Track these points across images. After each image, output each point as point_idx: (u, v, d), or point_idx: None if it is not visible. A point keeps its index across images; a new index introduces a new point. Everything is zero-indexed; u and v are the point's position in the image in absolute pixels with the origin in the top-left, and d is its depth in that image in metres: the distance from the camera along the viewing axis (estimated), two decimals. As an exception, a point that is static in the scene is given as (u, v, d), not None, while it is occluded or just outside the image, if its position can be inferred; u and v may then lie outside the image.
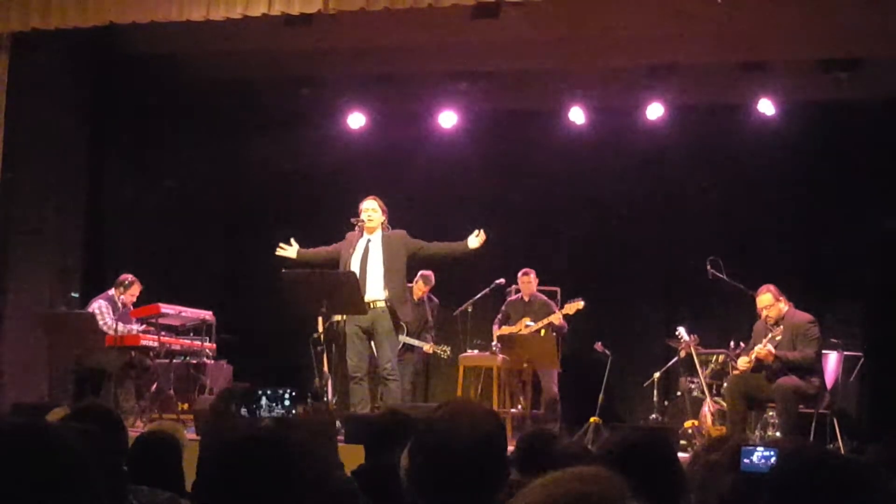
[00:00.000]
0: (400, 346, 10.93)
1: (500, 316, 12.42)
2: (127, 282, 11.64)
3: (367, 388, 10.30)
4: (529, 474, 4.84)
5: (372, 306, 10.11)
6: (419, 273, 12.33)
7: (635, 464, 3.43)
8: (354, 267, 10.12)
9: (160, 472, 4.56)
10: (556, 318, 11.87)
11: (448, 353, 12.33)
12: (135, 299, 11.68)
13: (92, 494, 2.01)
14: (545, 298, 12.31)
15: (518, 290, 12.52)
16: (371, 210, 10.24)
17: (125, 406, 10.86)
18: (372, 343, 10.27)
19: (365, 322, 10.17)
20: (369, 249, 10.23)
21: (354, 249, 10.22)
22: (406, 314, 10.49)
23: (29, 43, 11.45)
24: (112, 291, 11.64)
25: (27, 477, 1.95)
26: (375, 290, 10.13)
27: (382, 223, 10.31)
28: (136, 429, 8.93)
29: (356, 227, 10.36)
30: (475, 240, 10.25)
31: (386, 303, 10.14)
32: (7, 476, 1.94)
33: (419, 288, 12.52)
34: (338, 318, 10.34)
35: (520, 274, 12.38)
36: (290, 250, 10.53)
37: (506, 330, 12.08)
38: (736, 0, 10.29)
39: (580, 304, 11.89)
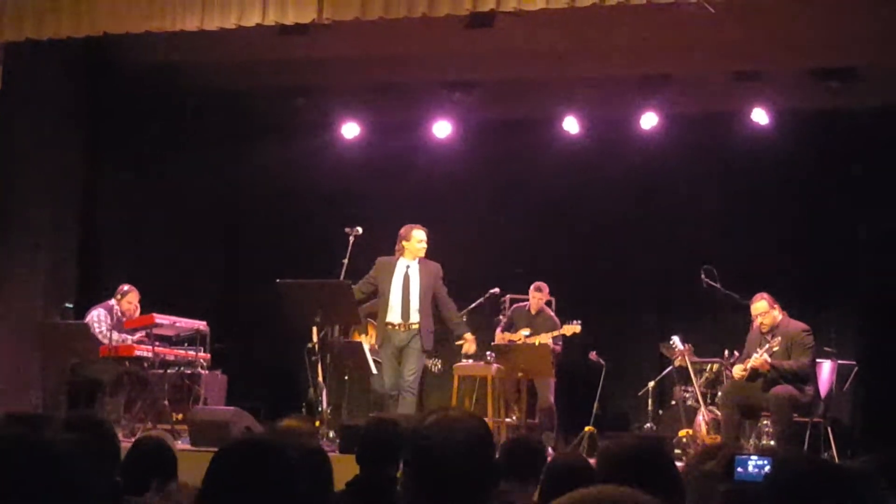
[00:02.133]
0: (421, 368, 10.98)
1: (504, 321, 12.37)
2: (123, 290, 11.66)
3: (399, 403, 10.51)
4: (514, 481, 4.84)
5: (410, 328, 10.48)
6: None
7: (630, 472, 3.44)
8: (396, 291, 10.51)
9: (154, 480, 4.55)
10: (546, 339, 11.75)
11: (439, 366, 12.30)
12: (133, 307, 11.66)
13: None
14: (550, 314, 12.23)
15: (514, 301, 12.49)
16: (423, 242, 10.62)
17: (112, 417, 10.81)
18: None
19: (401, 342, 10.48)
20: (409, 276, 10.55)
21: (394, 274, 10.55)
22: (429, 343, 10.64)
23: (23, 53, 11.45)
24: (112, 301, 11.65)
25: (21, 489, 1.94)
26: (415, 314, 10.50)
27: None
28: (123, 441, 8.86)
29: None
30: (468, 346, 10.82)
31: (418, 326, 10.48)
32: (1, 488, 1.94)
33: None
34: (365, 339, 11.12)
35: (532, 287, 12.26)
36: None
37: (504, 338, 12.06)
38: (729, 9, 10.30)
39: (577, 328, 11.75)
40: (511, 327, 12.24)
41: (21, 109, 11.92)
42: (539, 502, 4.21)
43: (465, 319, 11.38)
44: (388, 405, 10.62)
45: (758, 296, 10.32)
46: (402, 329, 10.49)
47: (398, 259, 10.64)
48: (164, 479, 4.64)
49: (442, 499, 2.89)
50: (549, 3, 9.52)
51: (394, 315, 10.51)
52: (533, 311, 12.23)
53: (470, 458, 2.93)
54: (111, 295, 11.78)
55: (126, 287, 11.70)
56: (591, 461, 4.45)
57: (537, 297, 12.22)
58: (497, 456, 5.06)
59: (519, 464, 4.91)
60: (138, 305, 11.73)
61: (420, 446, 2.99)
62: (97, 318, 11.47)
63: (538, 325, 12.03)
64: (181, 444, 10.26)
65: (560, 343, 11.94)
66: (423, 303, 10.51)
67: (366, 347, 11.23)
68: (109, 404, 10.91)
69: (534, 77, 13.11)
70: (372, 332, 12.08)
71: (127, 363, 11.32)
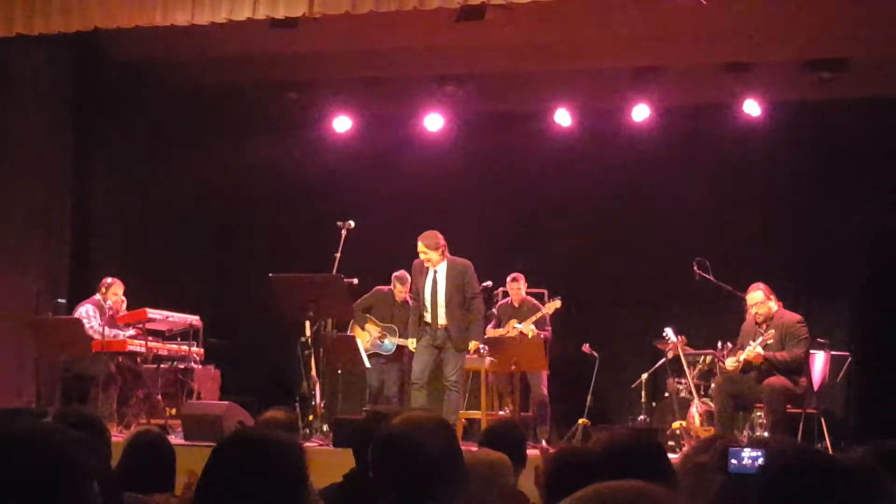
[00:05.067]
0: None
1: (493, 320, 12.38)
2: (107, 283, 11.59)
3: (426, 396, 10.65)
4: None
5: (441, 328, 10.64)
6: (393, 275, 12.28)
7: (624, 463, 3.45)
8: (427, 296, 10.68)
9: (153, 474, 4.54)
10: (527, 327, 11.77)
11: None
12: (119, 299, 11.62)
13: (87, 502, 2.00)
14: (535, 302, 12.25)
15: (507, 294, 12.49)
16: (421, 252, 10.65)
17: (104, 412, 10.79)
18: (442, 356, 10.74)
19: (437, 340, 10.66)
20: (437, 279, 10.67)
21: (426, 279, 10.70)
22: (464, 341, 10.73)
23: (14, 48, 11.42)
24: (97, 296, 11.61)
25: (24, 483, 1.93)
26: (442, 318, 10.66)
27: (442, 254, 10.67)
28: (116, 435, 8.84)
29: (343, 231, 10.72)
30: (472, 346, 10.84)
31: (447, 329, 10.63)
32: (4, 481, 1.92)
33: (399, 291, 12.41)
34: (365, 334, 11.42)
35: (508, 280, 12.28)
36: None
37: (495, 333, 12.05)
38: (721, 1, 10.30)
39: (557, 303, 11.92)
40: (500, 324, 12.24)
41: (12, 105, 11.91)
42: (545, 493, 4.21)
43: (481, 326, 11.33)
44: (411, 396, 10.72)
45: (753, 286, 10.31)
46: (436, 328, 10.67)
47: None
48: (163, 474, 4.63)
49: (409, 497, 2.96)
50: (540, -6, 9.53)
51: (427, 316, 10.72)
52: (516, 304, 12.23)
53: (431, 457, 3.02)
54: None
55: (109, 280, 11.63)
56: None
57: (515, 287, 12.23)
58: (478, 447, 5.12)
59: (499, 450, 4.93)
60: (123, 298, 11.69)
61: (386, 447, 3.09)
62: (86, 314, 11.42)
63: (524, 315, 12.03)
64: (174, 439, 10.27)
65: (548, 327, 11.95)
66: (449, 304, 10.62)
67: (359, 342, 11.24)
68: (102, 399, 10.89)
69: (525, 70, 13.11)
70: (371, 328, 12.09)
71: (120, 358, 11.30)
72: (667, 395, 12.19)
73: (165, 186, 13.92)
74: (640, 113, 13.52)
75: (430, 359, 10.68)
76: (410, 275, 11.07)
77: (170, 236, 14.04)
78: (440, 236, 10.66)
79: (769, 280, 10.56)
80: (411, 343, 11.03)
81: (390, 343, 11.94)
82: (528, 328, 11.77)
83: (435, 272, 10.66)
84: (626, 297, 14.10)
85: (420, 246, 10.62)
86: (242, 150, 14.32)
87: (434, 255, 10.59)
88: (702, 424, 10.99)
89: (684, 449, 9.71)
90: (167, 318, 11.71)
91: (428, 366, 10.65)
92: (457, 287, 10.61)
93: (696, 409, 11.23)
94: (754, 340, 10.05)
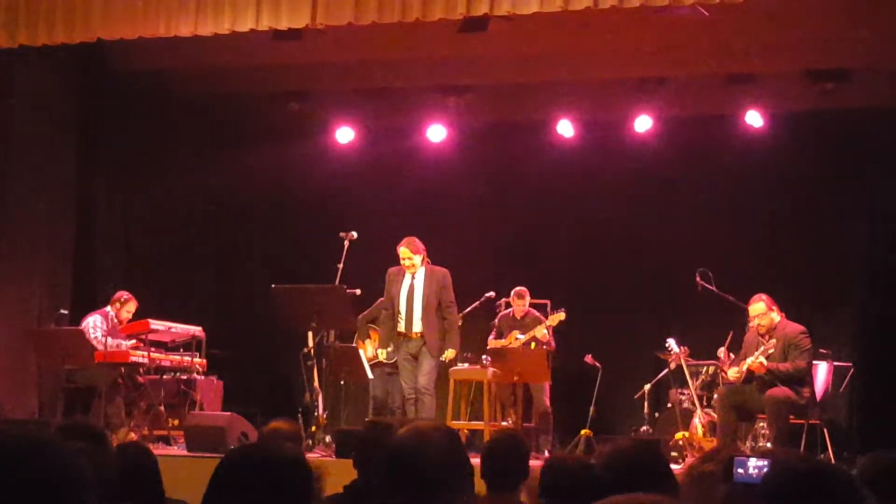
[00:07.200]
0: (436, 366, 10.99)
1: (493, 331, 12.37)
2: (123, 299, 11.63)
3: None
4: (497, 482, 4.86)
5: (417, 336, 10.69)
6: None
7: (627, 474, 3.45)
8: (402, 302, 10.72)
9: (141, 484, 4.53)
10: (540, 332, 11.82)
11: None
12: (131, 316, 11.65)
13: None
14: (537, 314, 12.25)
15: (509, 305, 12.49)
16: (406, 258, 10.72)
17: (115, 423, 10.83)
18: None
19: (413, 349, 10.70)
20: (414, 286, 10.74)
21: (401, 285, 10.76)
22: (440, 349, 10.78)
23: (16, 59, 11.44)
24: (108, 308, 11.62)
25: (20, 495, 1.92)
26: (418, 324, 10.71)
27: (423, 260, 10.78)
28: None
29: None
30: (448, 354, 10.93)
31: (422, 335, 10.69)
32: (7, 490, 1.92)
33: None
34: (369, 344, 11.58)
35: (513, 294, 12.25)
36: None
37: (497, 343, 12.05)
38: (723, 12, 10.31)
39: (562, 315, 11.89)
40: (501, 335, 12.23)
41: (16, 116, 11.92)
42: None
43: (459, 324, 11.35)
44: (408, 412, 10.75)
45: (756, 297, 10.31)
46: (411, 337, 10.71)
47: (405, 271, 10.82)
48: (149, 486, 4.61)
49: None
50: (543, 6, 9.53)
51: (400, 325, 10.75)
52: (518, 316, 12.22)
53: (439, 466, 3.06)
54: (106, 302, 11.75)
55: (125, 296, 11.67)
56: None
57: (519, 304, 12.21)
58: (481, 458, 5.13)
59: (502, 464, 4.93)
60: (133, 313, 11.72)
61: (393, 458, 3.13)
62: (93, 324, 11.44)
63: (527, 327, 12.03)
64: (177, 450, 10.27)
65: (550, 337, 11.92)
66: (425, 312, 10.67)
67: (362, 353, 11.24)
68: (110, 410, 10.90)
69: (528, 81, 13.12)
70: (375, 337, 12.10)
71: (122, 369, 11.30)
72: (669, 405, 12.18)
73: (168, 197, 13.91)
74: (643, 124, 13.53)
75: (415, 370, 10.72)
76: (386, 282, 11.02)
77: (172, 247, 14.03)
78: (420, 242, 10.77)
79: (771, 290, 10.56)
80: (381, 353, 11.06)
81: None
82: (541, 330, 11.77)
83: (412, 278, 10.73)
84: (629, 308, 14.07)
85: (404, 251, 10.70)
86: (245, 160, 14.31)
87: (417, 260, 10.70)
88: (705, 435, 10.98)
89: (688, 460, 9.73)
90: (170, 328, 11.71)
91: (414, 377, 10.71)
92: (434, 293, 10.69)
93: (698, 420, 11.23)
94: (757, 350, 10.06)
